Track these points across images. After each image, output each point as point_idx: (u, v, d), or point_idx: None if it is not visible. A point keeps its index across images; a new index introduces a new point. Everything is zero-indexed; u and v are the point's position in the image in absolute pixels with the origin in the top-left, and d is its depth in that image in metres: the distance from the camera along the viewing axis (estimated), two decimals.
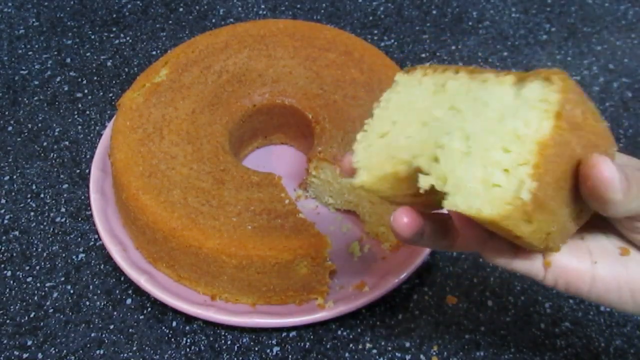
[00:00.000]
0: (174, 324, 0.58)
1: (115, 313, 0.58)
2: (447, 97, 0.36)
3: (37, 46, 0.83)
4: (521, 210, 0.31)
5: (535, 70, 0.33)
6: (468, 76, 0.36)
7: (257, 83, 0.66)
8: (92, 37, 0.84)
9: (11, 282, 0.61)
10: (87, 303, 0.59)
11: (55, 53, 0.82)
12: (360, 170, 0.39)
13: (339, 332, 0.58)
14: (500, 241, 0.37)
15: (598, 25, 0.88)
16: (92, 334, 0.57)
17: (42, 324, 0.58)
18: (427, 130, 0.36)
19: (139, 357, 0.56)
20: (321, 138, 0.62)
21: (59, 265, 0.62)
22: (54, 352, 0.56)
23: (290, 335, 0.57)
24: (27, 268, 0.62)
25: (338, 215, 0.65)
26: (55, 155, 0.71)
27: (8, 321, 0.58)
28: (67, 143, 0.72)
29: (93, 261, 0.62)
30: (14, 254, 0.63)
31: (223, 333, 0.57)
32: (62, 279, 0.61)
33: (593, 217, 0.36)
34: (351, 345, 0.57)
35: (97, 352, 0.56)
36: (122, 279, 0.60)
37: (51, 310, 0.59)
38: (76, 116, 0.75)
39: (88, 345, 0.56)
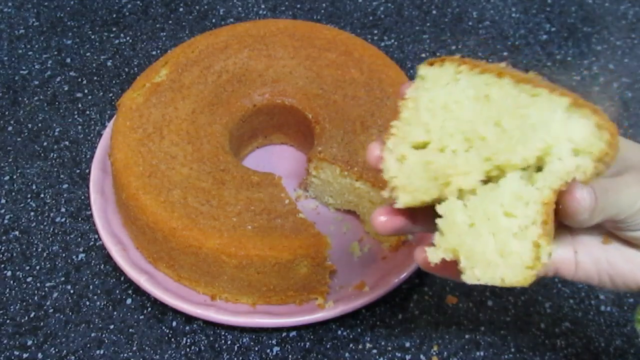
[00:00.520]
0: (174, 324, 0.58)
1: (115, 313, 0.58)
2: (492, 110, 0.33)
3: (37, 46, 0.83)
4: (541, 269, 0.32)
5: (593, 106, 0.31)
6: (515, 85, 0.32)
7: (257, 83, 0.66)
8: (92, 37, 0.84)
9: (11, 282, 0.61)
10: (87, 303, 0.59)
11: (55, 53, 0.82)
12: (398, 191, 0.36)
13: (339, 332, 0.58)
14: None
15: (598, 25, 0.88)
16: (92, 334, 0.57)
17: (42, 324, 0.58)
18: (473, 149, 0.33)
19: (139, 357, 0.56)
20: (321, 138, 0.62)
21: (59, 265, 0.62)
22: (54, 352, 0.56)
23: (290, 335, 0.57)
24: (27, 268, 0.62)
25: (338, 215, 0.65)
26: (55, 155, 0.71)
27: (8, 321, 0.58)
28: (67, 143, 0.72)
29: (93, 261, 0.62)
30: (14, 254, 0.63)
31: (223, 333, 0.57)
32: (62, 279, 0.61)
33: None
34: (351, 345, 0.57)
35: (97, 352, 0.56)
36: (122, 279, 0.60)
37: (51, 310, 0.59)
38: (76, 116, 0.75)
39: (88, 345, 0.56)
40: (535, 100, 0.32)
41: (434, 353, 0.56)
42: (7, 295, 0.60)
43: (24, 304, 0.59)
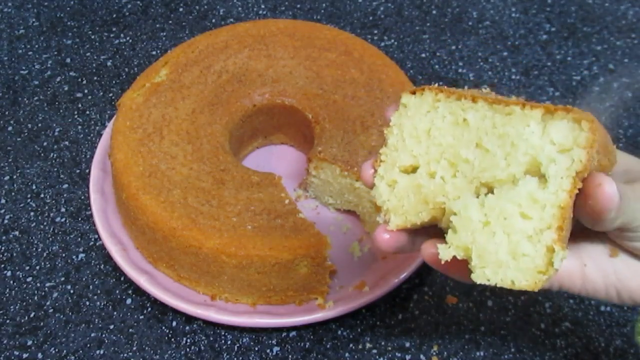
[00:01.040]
0: (174, 324, 0.58)
1: (115, 313, 0.58)
2: (471, 133, 0.35)
3: (37, 46, 0.83)
4: (553, 275, 0.32)
5: (564, 107, 0.32)
6: (489, 107, 0.34)
7: (257, 83, 0.66)
8: (92, 37, 0.84)
9: (11, 282, 0.61)
10: (87, 303, 0.59)
11: (55, 53, 0.82)
12: (391, 214, 0.37)
13: (339, 332, 0.58)
14: None
15: (598, 25, 0.88)
16: (92, 334, 0.57)
17: (42, 324, 0.58)
18: (459, 174, 0.35)
19: (139, 357, 0.56)
20: (321, 138, 0.62)
21: (59, 265, 0.62)
22: (54, 352, 0.56)
23: (290, 335, 0.57)
24: (27, 268, 0.62)
25: (338, 215, 0.65)
26: (55, 155, 0.71)
27: (8, 321, 0.58)
28: (67, 143, 0.72)
29: (93, 261, 0.62)
30: (14, 254, 0.63)
31: (223, 333, 0.57)
32: (62, 279, 0.61)
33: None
34: (351, 345, 0.57)
35: (97, 352, 0.56)
36: (122, 279, 0.60)
37: (51, 310, 0.59)
38: (76, 116, 0.75)
39: (88, 345, 0.56)
40: (510, 118, 0.33)
41: (434, 353, 0.56)
42: (7, 295, 0.60)
43: (24, 304, 0.59)
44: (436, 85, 0.37)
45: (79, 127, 0.74)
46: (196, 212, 0.55)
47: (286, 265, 0.54)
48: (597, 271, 0.38)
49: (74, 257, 0.62)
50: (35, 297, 0.59)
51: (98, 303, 0.59)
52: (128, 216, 0.59)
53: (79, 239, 0.64)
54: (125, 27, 0.86)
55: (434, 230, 0.38)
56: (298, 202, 0.65)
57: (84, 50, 0.82)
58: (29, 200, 0.67)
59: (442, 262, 0.35)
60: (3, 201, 0.67)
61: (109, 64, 0.81)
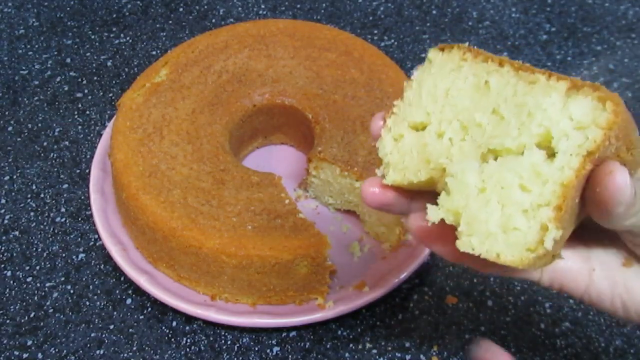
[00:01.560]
0: (174, 324, 0.58)
1: (115, 313, 0.58)
2: (490, 97, 0.33)
3: (37, 46, 0.83)
4: (542, 255, 0.30)
5: (592, 84, 0.30)
6: (514, 73, 0.33)
7: (257, 83, 0.66)
8: (92, 37, 0.84)
9: (11, 282, 0.61)
10: (87, 303, 0.59)
11: (55, 53, 0.82)
12: (390, 168, 0.36)
13: (339, 332, 0.58)
14: None
15: (598, 25, 0.88)
16: (92, 334, 0.57)
17: (42, 324, 0.58)
18: (468, 138, 0.33)
19: (139, 357, 0.56)
20: (321, 138, 0.62)
21: (59, 265, 0.62)
22: (54, 352, 0.56)
23: (290, 335, 0.57)
24: (27, 268, 0.62)
25: (338, 215, 0.65)
26: (55, 155, 0.71)
27: (8, 321, 0.58)
28: (67, 143, 0.72)
29: (93, 261, 0.62)
30: (14, 254, 0.63)
31: (223, 333, 0.57)
32: (62, 279, 0.61)
33: (603, 229, 0.35)
34: (351, 345, 0.57)
35: (97, 352, 0.56)
36: (122, 279, 0.60)
37: (51, 310, 0.59)
38: (76, 116, 0.75)
39: (88, 345, 0.56)
40: (533, 87, 0.32)
41: (434, 353, 0.56)
42: (7, 295, 0.60)
43: (24, 304, 0.59)
44: (467, 44, 0.36)
45: (79, 127, 0.74)
46: (196, 212, 0.55)
47: (286, 265, 0.54)
48: (606, 278, 0.36)
49: (74, 257, 0.62)
50: (35, 297, 0.59)
51: (98, 303, 0.59)
52: (128, 216, 0.59)
53: (79, 239, 0.64)
54: (125, 27, 0.86)
55: (425, 200, 0.36)
56: (298, 202, 0.65)
57: (84, 50, 0.82)
58: (29, 200, 0.67)
59: (429, 225, 0.33)
60: (3, 201, 0.67)
61: (109, 64, 0.81)
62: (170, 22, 0.87)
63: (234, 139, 0.65)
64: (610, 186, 0.29)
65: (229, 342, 0.57)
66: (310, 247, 0.54)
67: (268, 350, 0.56)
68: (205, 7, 0.89)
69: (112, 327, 0.57)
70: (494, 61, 0.34)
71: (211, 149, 0.61)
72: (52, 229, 0.64)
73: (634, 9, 0.90)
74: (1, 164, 0.70)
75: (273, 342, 0.57)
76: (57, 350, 0.56)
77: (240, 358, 0.56)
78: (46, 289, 0.60)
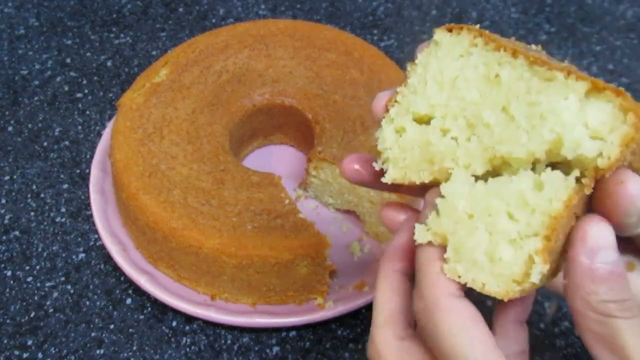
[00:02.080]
0: (174, 324, 0.58)
1: (115, 313, 0.58)
2: (501, 93, 0.30)
3: (37, 46, 0.83)
4: (529, 288, 0.29)
5: (615, 88, 0.27)
6: (529, 67, 0.30)
7: (257, 83, 0.66)
8: (92, 37, 0.84)
9: (11, 282, 0.61)
10: (87, 303, 0.59)
11: (55, 53, 0.82)
12: (389, 163, 0.34)
13: (339, 332, 0.58)
14: None
15: (598, 25, 0.88)
16: (92, 334, 0.57)
17: (42, 324, 0.58)
18: (475, 138, 0.31)
19: (139, 357, 0.56)
20: (321, 138, 0.62)
21: (59, 265, 0.62)
22: (54, 352, 0.56)
23: (290, 335, 0.57)
24: (27, 268, 0.62)
25: (338, 215, 0.65)
26: (55, 155, 0.71)
27: (8, 321, 0.58)
28: (67, 143, 0.72)
29: (93, 261, 0.62)
30: (14, 254, 0.63)
31: (223, 333, 0.57)
32: (62, 279, 0.61)
33: None
34: (351, 345, 0.57)
35: (97, 352, 0.56)
36: (122, 279, 0.60)
37: (51, 310, 0.59)
38: (76, 116, 0.75)
39: (88, 345, 0.56)
40: (549, 85, 0.28)
41: None
42: (7, 295, 0.60)
43: (24, 304, 0.59)
44: (477, 26, 0.32)
45: (79, 127, 0.74)
46: (196, 212, 0.55)
47: (286, 265, 0.54)
48: None
49: (74, 257, 0.62)
50: (35, 297, 0.59)
51: (98, 303, 0.59)
52: (128, 216, 0.59)
53: (79, 239, 0.64)
54: (125, 27, 0.86)
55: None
56: (298, 202, 0.65)
57: (84, 50, 0.82)
58: (29, 200, 0.67)
59: (399, 222, 0.33)
60: (3, 201, 0.67)
61: (109, 64, 0.81)
62: (170, 22, 0.87)
63: (234, 139, 0.65)
64: (622, 197, 0.27)
65: (229, 342, 0.57)
66: (310, 247, 0.54)
67: (268, 350, 0.56)
68: (205, 7, 0.89)
69: (112, 327, 0.57)
70: (507, 51, 0.30)
71: (211, 149, 0.61)
72: (52, 229, 0.64)
73: (633, 9, 0.90)
74: (1, 164, 0.70)
75: (273, 342, 0.57)
76: (57, 350, 0.56)
77: (240, 358, 0.56)
78: (46, 289, 0.60)
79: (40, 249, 0.63)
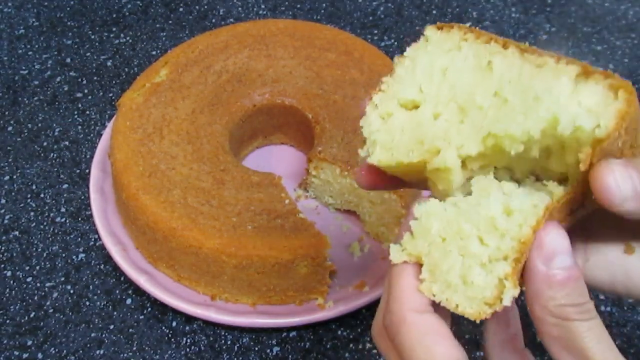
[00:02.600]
0: (174, 324, 0.58)
1: (115, 313, 0.58)
2: (493, 79, 0.30)
3: (37, 46, 0.83)
4: (501, 309, 0.30)
5: (603, 71, 0.28)
6: (520, 55, 0.30)
7: (257, 83, 0.66)
8: (92, 37, 0.84)
9: (11, 282, 0.61)
10: (87, 303, 0.59)
11: (55, 53, 0.82)
12: (376, 146, 0.33)
13: (339, 332, 0.58)
14: None
15: (598, 25, 0.88)
16: (92, 334, 0.57)
17: (42, 324, 0.58)
18: (468, 120, 0.31)
19: (139, 357, 0.56)
20: (321, 138, 0.62)
21: (59, 265, 0.62)
22: (54, 352, 0.56)
23: (290, 335, 0.57)
24: (27, 268, 0.62)
25: (338, 215, 0.65)
26: (55, 155, 0.71)
27: (8, 321, 0.58)
28: (67, 143, 0.72)
29: (93, 261, 0.62)
30: (14, 254, 0.63)
31: (223, 333, 0.57)
32: (62, 279, 0.61)
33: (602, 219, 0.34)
34: (351, 345, 0.57)
35: (97, 352, 0.56)
36: (122, 279, 0.60)
37: (51, 310, 0.59)
38: (76, 116, 0.75)
39: (88, 345, 0.56)
40: (540, 70, 0.29)
41: None
42: (7, 295, 0.60)
43: (24, 304, 0.59)
44: (468, 25, 0.32)
45: (79, 127, 0.74)
46: (196, 212, 0.55)
47: (286, 265, 0.54)
48: (603, 268, 0.35)
49: (74, 257, 0.62)
50: (35, 297, 0.59)
51: (98, 303, 0.59)
52: (128, 216, 0.59)
53: (79, 239, 0.64)
54: (125, 27, 0.86)
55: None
56: (298, 202, 0.65)
57: (84, 50, 0.82)
58: (29, 200, 0.67)
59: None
60: (3, 201, 0.67)
61: (109, 64, 0.81)
62: (170, 22, 0.87)
63: (234, 139, 0.65)
64: (601, 192, 0.28)
65: (229, 342, 0.57)
66: (310, 247, 0.54)
67: (268, 350, 0.56)
68: (205, 7, 0.89)
69: (112, 327, 0.57)
70: (498, 42, 0.31)
71: (211, 149, 0.61)
72: (52, 229, 0.64)
73: (634, 9, 0.90)
74: (1, 164, 0.70)
75: (273, 342, 0.57)
76: (57, 350, 0.56)
77: (240, 358, 0.56)
78: (46, 289, 0.60)
79: (40, 249, 0.63)
